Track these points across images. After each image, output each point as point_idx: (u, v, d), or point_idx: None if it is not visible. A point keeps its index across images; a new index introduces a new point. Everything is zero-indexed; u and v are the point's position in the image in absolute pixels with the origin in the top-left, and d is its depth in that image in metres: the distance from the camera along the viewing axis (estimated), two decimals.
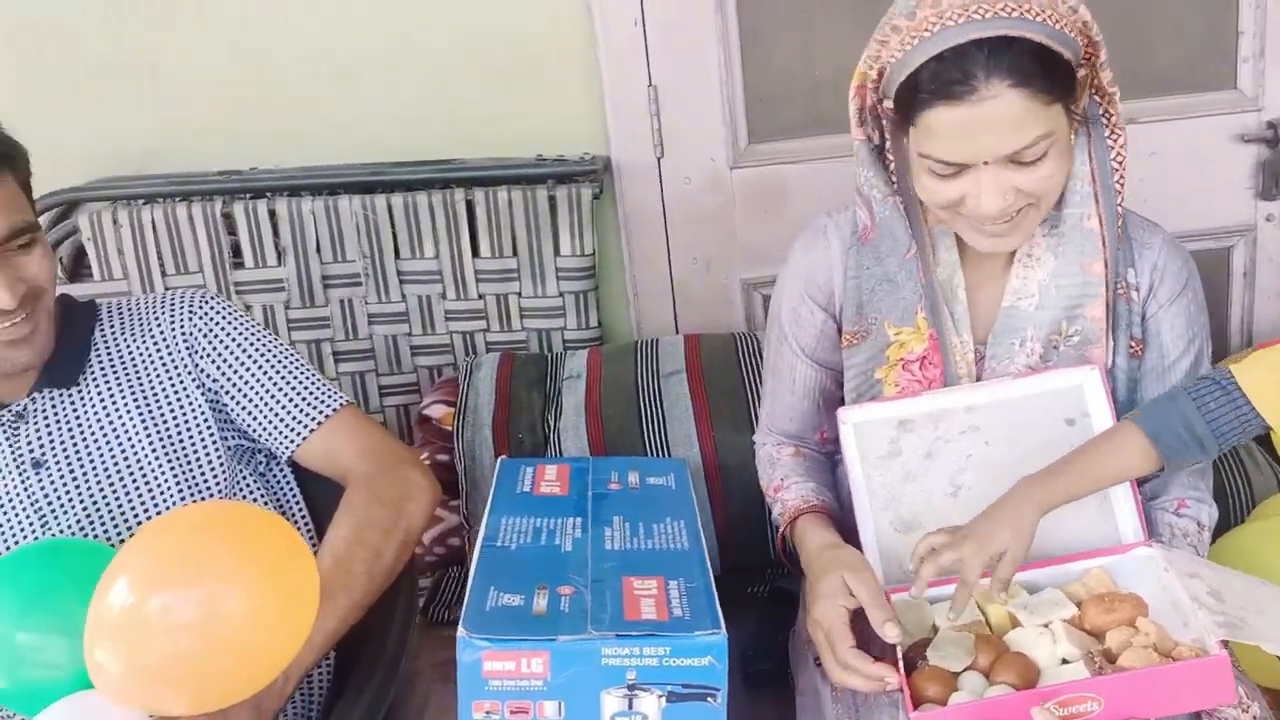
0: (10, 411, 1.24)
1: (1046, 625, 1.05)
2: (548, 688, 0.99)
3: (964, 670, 1.03)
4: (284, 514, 1.38)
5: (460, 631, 0.99)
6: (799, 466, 1.33)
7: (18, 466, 1.23)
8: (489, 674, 0.99)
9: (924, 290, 1.20)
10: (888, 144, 1.19)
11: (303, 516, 1.39)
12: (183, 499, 1.27)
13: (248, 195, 1.94)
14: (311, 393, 1.35)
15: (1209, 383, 1.10)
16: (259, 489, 1.36)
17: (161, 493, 1.26)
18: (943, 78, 1.03)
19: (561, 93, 1.98)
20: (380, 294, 1.96)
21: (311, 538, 1.37)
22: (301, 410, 1.34)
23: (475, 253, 1.93)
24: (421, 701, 1.52)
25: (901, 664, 1.04)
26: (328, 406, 1.35)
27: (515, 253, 1.93)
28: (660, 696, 1.00)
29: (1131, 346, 1.22)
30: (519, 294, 1.96)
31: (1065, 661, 1.01)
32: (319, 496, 1.38)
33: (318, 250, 1.93)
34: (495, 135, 1.98)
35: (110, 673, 1.00)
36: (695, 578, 1.12)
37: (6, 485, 1.23)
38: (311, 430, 1.33)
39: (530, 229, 1.91)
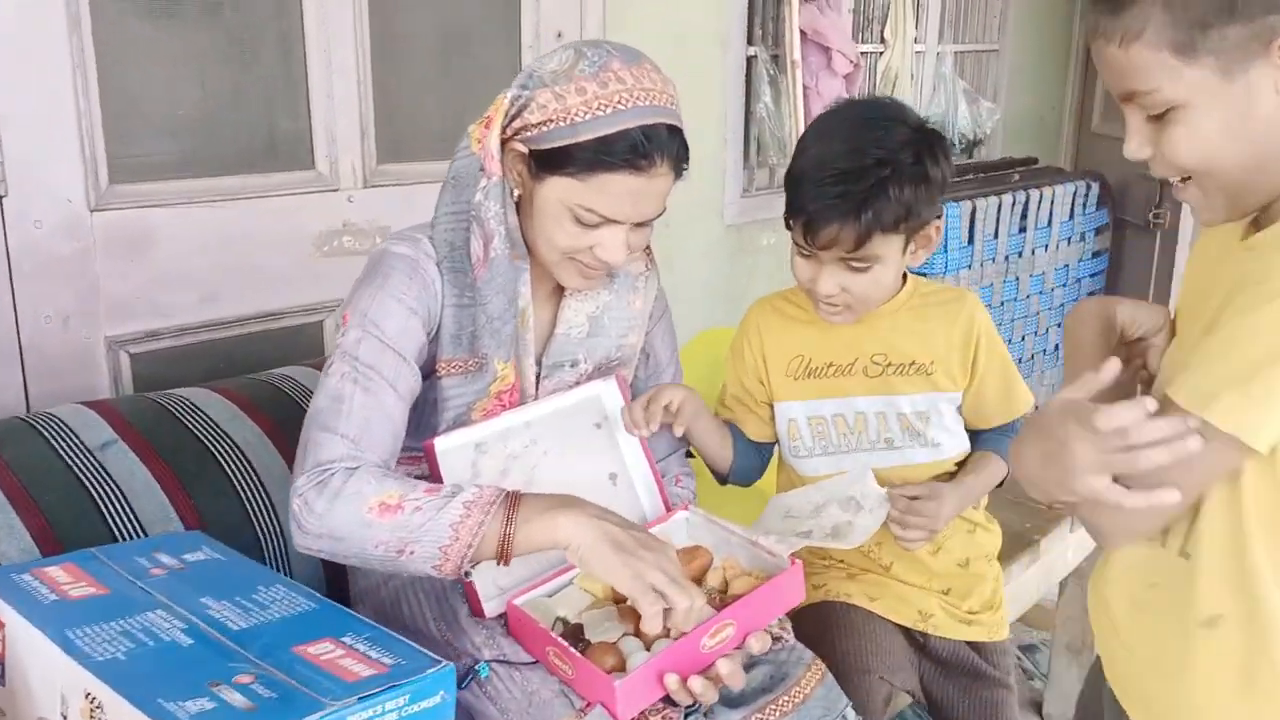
0: None
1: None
2: None
3: (621, 637, 1.17)
4: None
5: None
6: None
7: None
8: None
9: (517, 326, 1.28)
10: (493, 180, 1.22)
11: None
12: None
13: None
14: None
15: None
16: None
17: None
18: (637, 150, 1.14)
19: None
20: None
21: None
22: None
23: None
24: None
25: (570, 648, 1.13)
26: None
27: None
28: None
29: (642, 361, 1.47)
30: None
31: None
32: None
33: None
34: None
35: None
36: (360, 628, 1.05)
37: None
38: None
39: None
